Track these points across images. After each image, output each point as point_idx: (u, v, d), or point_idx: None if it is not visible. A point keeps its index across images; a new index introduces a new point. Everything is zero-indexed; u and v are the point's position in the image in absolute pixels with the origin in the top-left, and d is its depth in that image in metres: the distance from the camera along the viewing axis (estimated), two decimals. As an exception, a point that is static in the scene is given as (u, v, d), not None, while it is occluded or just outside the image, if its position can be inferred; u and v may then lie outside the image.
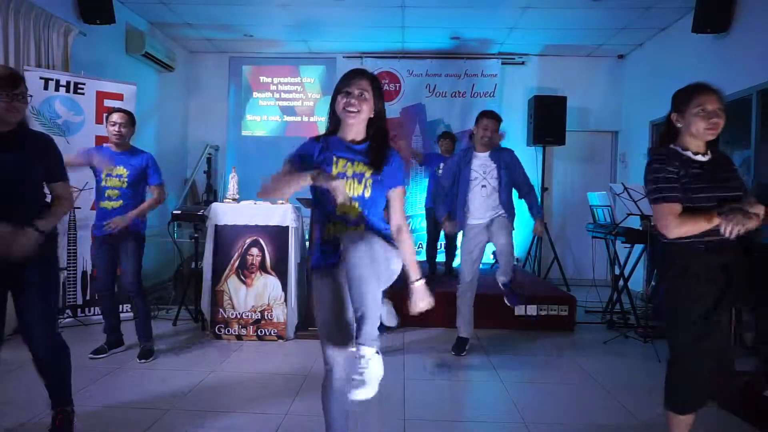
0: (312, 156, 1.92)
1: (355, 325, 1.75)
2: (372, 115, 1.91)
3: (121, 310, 4.47)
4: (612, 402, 3.03)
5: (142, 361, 3.49)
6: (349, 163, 1.88)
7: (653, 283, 5.06)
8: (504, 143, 6.70)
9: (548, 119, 6.09)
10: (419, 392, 3.13)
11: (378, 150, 1.90)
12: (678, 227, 1.93)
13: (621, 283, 4.69)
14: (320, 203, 1.89)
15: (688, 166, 1.97)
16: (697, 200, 1.94)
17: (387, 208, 1.98)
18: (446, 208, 3.89)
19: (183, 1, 5.30)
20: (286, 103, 7.06)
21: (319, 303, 1.92)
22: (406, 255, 1.92)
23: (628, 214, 4.52)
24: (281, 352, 3.82)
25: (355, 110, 1.85)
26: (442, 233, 5.53)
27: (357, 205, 1.85)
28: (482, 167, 3.75)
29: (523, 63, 6.89)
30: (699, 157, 2.01)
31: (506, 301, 3.90)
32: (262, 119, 7.06)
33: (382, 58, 6.86)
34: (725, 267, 1.96)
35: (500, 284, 3.85)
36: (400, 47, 6.68)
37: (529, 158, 6.71)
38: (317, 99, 7.05)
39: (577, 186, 6.64)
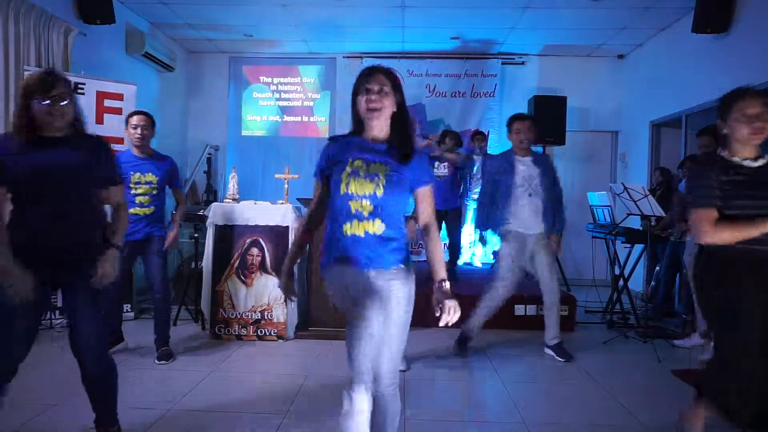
0: (331, 159, 1.88)
1: None
2: (395, 109, 1.85)
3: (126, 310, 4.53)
4: (612, 402, 3.03)
5: (162, 362, 3.48)
6: (364, 164, 1.81)
7: (653, 282, 5.07)
8: (504, 144, 6.72)
9: (548, 119, 6.08)
10: (420, 392, 3.13)
11: (400, 148, 1.85)
12: (714, 235, 1.89)
13: (621, 283, 4.69)
14: (333, 204, 1.85)
15: (732, 173, 1.93)
16: (739, 207, 1.90)
17: (413, 216, 1.95)
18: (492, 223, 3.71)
19: (183, 1, 5.30)
20: (286, 103, 7.06)
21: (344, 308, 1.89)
22: (434, 253, 1.88)
23: (628, 214, 4.53)
24: (281, 352, 3.82)
25: (378, 107, 1.80)
26: (444, 234, 5.41)
27: (368, 203, 1.78)
28: (526, 173, 3.64)
29: (523, 63, 6.89)
30: (748, 163, 1.96)
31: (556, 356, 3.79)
32: (262, 119, 7.07)
33: (382, 58, 6.85)
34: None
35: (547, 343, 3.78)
36: (400, 47, 6.68)
37: (529, 158, 6.73)
38: (317, 99, 7.05)
39: (577, 186, 6.63)
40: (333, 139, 1.96)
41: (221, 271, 4.09)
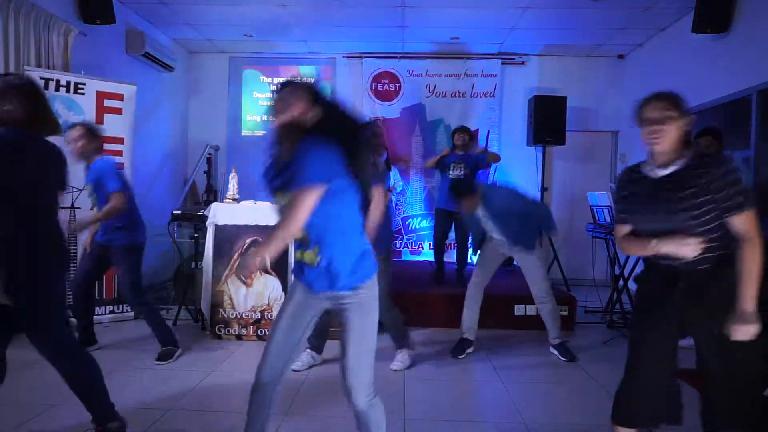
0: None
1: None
2: (293, 117, 1.78)
3: (110, 311, 4.51)
4: (612, 402, 3.02)
5: (157, 362, 3.49)
6: (280, 194, 1.83)
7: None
8: (504, 144, 6.73)
9: (548, 119, 6.09)
10: (419, 392, 3.14)
11: (286, 162, 1.79)
12: (625, 250, 1.97)
13: (621, 283, 4.69)
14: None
15: (634, 186, 1.93)
16: (636, 222, 1.92)
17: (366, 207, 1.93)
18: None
19: (183, 1, 5.30)
20: (286, 103, 7.05)
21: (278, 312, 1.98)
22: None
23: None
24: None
25: (276, 120, 1.80)
26: (452, 232, 5.31)
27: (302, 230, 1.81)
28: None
29: (523, 63, 6.89)
30: (656, 172, 1.88)
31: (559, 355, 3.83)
32: (262, 119, 7.07)
33: (382, 58, 6.86)
34: (681, 292, 1.87)
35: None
36: (400, 47, 6.68)
37: (529, 158, 6.73)
38: (317, 99, 7.04)
39: (577, 186, 6.64)
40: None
41: (221, 271, 4.09)
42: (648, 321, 1.93)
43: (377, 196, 3.34)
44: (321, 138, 1.75)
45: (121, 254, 3.44)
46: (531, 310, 4.52)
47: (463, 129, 5.33)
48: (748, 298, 1.74)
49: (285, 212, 1.77)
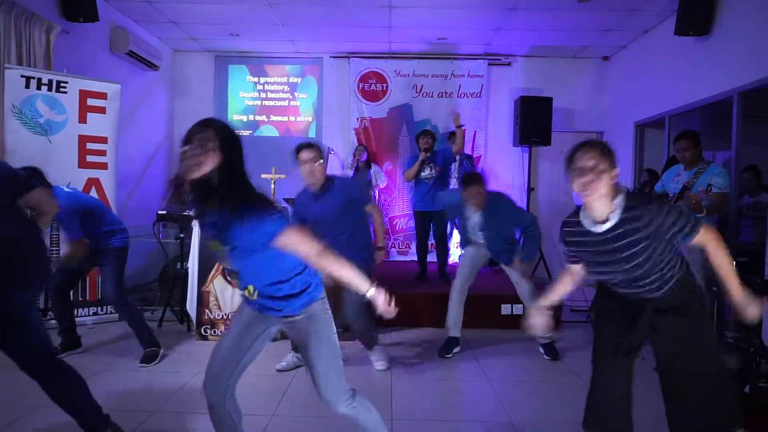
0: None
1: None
2: (215, 165, 1.64)
3: (93, 312, 4.45)
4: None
5: (141, 365, 3.45)
6: (215, 244, 1.78)
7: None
8: (490, 144, 6.76)
9: (534, 120, 6.13)
10: (406, 392, 3.14)
11: (224, 210, 1.66)
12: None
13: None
14: None
15: (581, 236, 1.94)
16: (597, 274, 2.00)
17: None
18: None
19: (168, -1, 5.25)
20: (273, 103, 7.03)
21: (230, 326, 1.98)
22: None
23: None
24: (267, 353, 3.79)
25: (193, 163, 1.62)
26: (431, 233, 5.40)
27: (234, 274, 1.86)
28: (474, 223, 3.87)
29: (509, 64, 6.93)
30: (596, 228, 1.86)
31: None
32: (248, 119, 7.02)
33: (368, 58, 6.86)
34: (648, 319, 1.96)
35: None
36: (387, 47, 6.69)
37: (515, 158, 6.78)
38: (304, 99, 7.03)
39: (563, 186, 6.70)
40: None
41: (207, 272, 4.05)
42: (609, 351, 2.02)
43: (373, 212, 3.44)
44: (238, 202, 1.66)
45: (112, 255, 3.42)
46: (518, 309, 4.55)
47: (426, 132, 5.37)
48: (735, 288, 1.82)
49: (313, 261, 1.74)
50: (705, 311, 1.98)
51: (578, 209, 1.96)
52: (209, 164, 1.63)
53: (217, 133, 1.66)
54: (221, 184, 1.64)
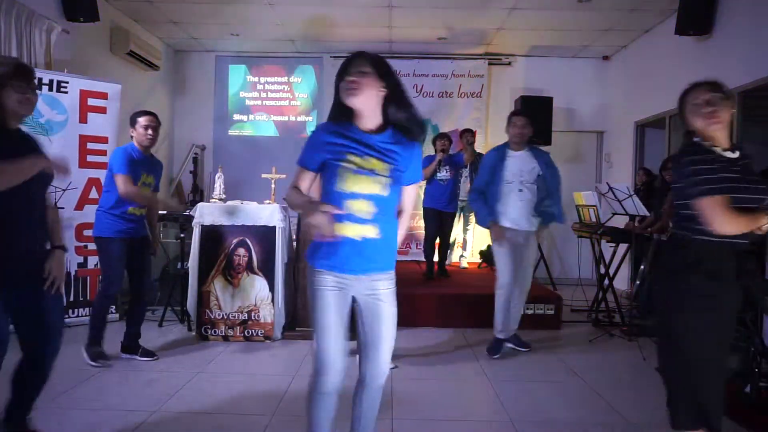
0: (324, 148, 1.76)
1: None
2: (384, 92, 1.74)
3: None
4: (597, 399, 3.06)
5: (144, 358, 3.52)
6: (364, 160, 1.72)
7: (638, 281, 5.12)
8: (490, 144, 6.75)
9: (535, 119, 6.07)
10: (407, 391, 3.14)
11: (402, 133, 1.78)
12: (729, 223, 1.73)
13: (606, 282, 4.74)
14: (329, 198, 1.75)
15: (722, 164, 1.82)
16: (739, 201, 1.77)
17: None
18: (488, 212, 3.68)
19: (168, -1, 5.26)
20: (273, 103, 7.03)
21: (319, 308, 1.78)
22: (400, 231, 1.91)
23: (613, 214, 4.58)
24: (268, 353, 3.80)
25: (355, 86, 1.70)
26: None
27: (370, 204, 1.71)
28: (515, 168, 3.68)
29: (509, 64, 6.93)
30: (728, 154, 1.85)
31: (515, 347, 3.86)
32: (249, 119, 7.03)
33: (369, 58, 6.84)
34: (746, 272, 1.83)
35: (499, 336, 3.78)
36: (387, 47, 6.69)
37: (515, 158, 6.77)
38: (304, 98, 7.03)
39: (563, 186, 6.67)
40: (324, 127, 1.81)
41: (208, 272, 4.06)
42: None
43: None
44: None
45: (145, 244, 3.52)
46: (518, 309, 4.54)
47: (442, 135, 5.49)
48: None
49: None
50: None
51: (695, 144, 1.89)
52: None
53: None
54: (397, 104, 1.77)
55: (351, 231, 1.71)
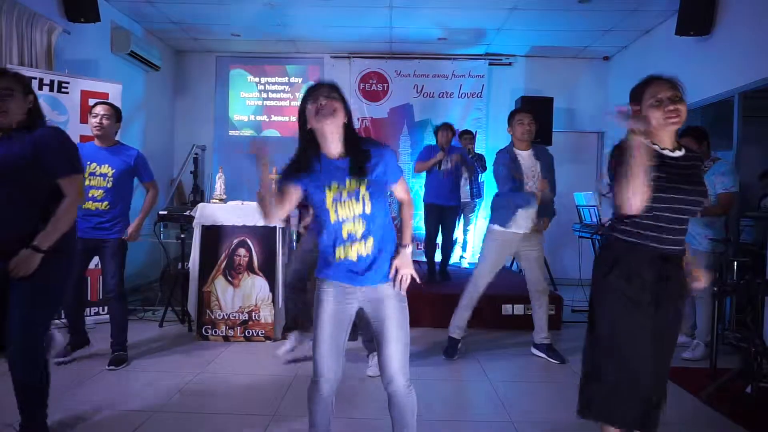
0: (301, 183, 1.87)
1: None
2: (346, 120, 1.82)
3: (95, 312, 4.44)
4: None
5: (111, 367, 3.34)
6: (341, 186, 1.81)
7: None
8: (491, 144, 6.76)
9: (535, 120, 6.11)
10: (407, 392, 3.13)
11: (358, 157, 1.82)
12: (623, 194, 1.77)
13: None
14: (324, 227, 1.87)
15: (660, 162, 1.84)
16: (668, 201, 1.81)
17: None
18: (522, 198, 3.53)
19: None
20: (274, 103, 7.03)
21: (319, 319, 1.89)
22: (405, 220, 2.02)
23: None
24: (269, 353, 3.80)
25: (331, 107, 1.76)
26: (439, 232, 5.26)
27: (361, 222, 1.83)
28: (528, 167, 3.60)
29: (510, 64, 6.93)
30: (667, 152, 1.88)
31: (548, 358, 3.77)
32: (249, 119, 7.03)
33: (369, 59, 6.87)
34: (664, 278, 1.84)
35: (537, 344, 3.76)
36: (387, 47, 6.69)
37: (516, 159, 6.77)
38: (305, 99, 7.02)
39: (564, 186, 6.67)
40: (294, 164, 1.89)
41: (208, 272, 4.06)
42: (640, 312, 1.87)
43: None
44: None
45: (114, 248, 3.35)
46: (518, 309, 4.56)
47: (446, 126, 5.21)
48: None
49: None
50: None
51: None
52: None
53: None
54: (352, 131, 1.87)
55: (350, 251, 1.84)
